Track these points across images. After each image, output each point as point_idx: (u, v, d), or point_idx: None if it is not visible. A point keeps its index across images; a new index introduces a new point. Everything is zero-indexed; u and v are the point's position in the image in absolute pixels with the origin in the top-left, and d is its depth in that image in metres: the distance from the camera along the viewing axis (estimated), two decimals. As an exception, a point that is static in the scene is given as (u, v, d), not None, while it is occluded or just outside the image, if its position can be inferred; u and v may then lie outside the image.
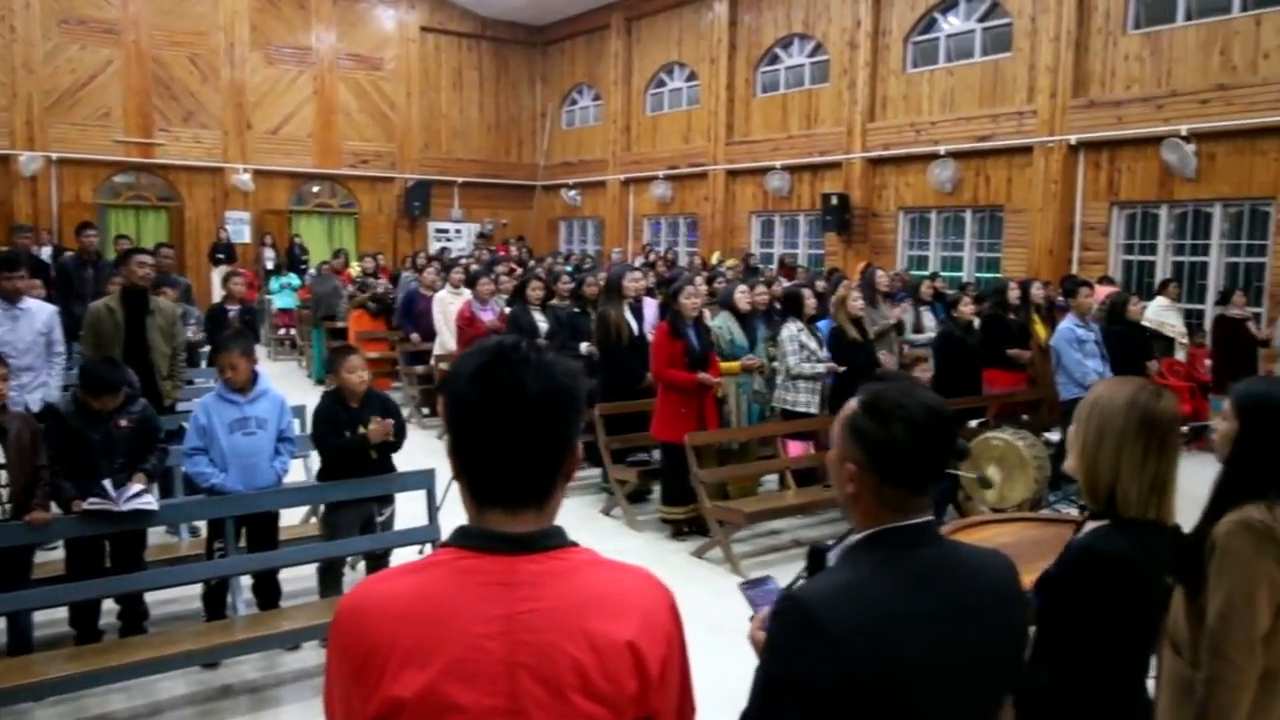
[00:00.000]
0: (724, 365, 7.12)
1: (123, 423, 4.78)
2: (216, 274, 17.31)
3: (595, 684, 1.40)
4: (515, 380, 1.41)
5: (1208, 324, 11.12)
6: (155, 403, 5.79)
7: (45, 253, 12.55)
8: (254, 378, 4.98)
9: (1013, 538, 4.08)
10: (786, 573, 2.45)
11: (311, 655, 4.95)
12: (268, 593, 5.03)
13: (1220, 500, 2.48)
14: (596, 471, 8.14)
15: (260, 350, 15.24)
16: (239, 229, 19.10)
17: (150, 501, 4.46)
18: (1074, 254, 12.82)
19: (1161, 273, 11.95)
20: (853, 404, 1.75)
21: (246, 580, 5.07)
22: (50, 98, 17.41)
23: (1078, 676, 2.19)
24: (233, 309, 8.73)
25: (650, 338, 7.99)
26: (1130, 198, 12.32)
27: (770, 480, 7.84)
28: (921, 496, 1.71)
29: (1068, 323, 7.94)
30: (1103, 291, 9.78)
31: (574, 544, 1.50)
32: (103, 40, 17.82)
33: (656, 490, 7.51)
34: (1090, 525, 2.31)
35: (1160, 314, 10.81)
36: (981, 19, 13.96)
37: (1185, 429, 8.70)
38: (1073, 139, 12.55)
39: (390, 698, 1.35)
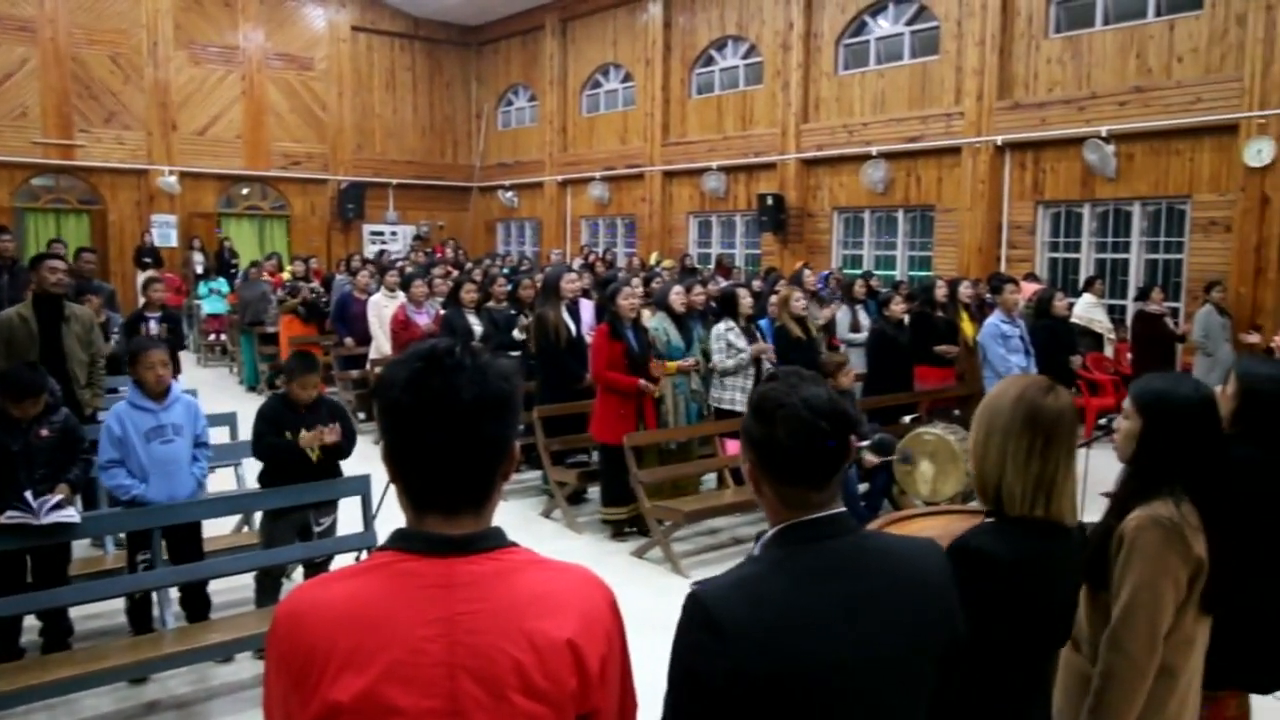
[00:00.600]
0: (662, 366, 7.15)
1: (44, 432, 4.65)
2: (142, 279, 16.88)
3: (535, 683, 1.40)
4: (449, 387, 1.41)
5: (1129, 319, 11.46)
6: (75, 413, 5.63)
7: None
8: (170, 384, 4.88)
9: (940, 530, 4.15)
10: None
11: (246, 667, 4.87)
12: (196, 604, 4.93)
13: (1126, 497, 2.49)
14: (536, 474, 8.14)
15: (190, 357, 15.01)
16: (165, 232, 18.66)
17: (72, 514, 4.34)
18: (1002, 252, 13.10)
19: (1086, 270, 12.27)
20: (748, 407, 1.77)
21: (176, 593, 4.97)
22: (-36, 97, 16.85)
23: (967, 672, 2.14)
24: (153, 316, 8.51)
25: (589, 339, 8.03)
26: (1054, 197, 12.63)
27: (711, 479, 7.89)
28: (821, 491, 1.69)
29: (993, 319, 8.12)
30: (1029, 289, 10.03)
31: (513, 544, 1.49)
32: (17, 38, 17.26)
33: (596, 491, 7.53)
34: (979, 523, 2.25)
35: (1089, 310, 11.14)
36: (910, 22, 14.20)
37: (1102, 421, 8.92)
38: (999, 140, 12.83)
39: (328, 702, 1.34)
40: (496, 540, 1.47)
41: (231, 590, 5.51)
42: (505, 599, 1.42)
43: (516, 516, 7.61)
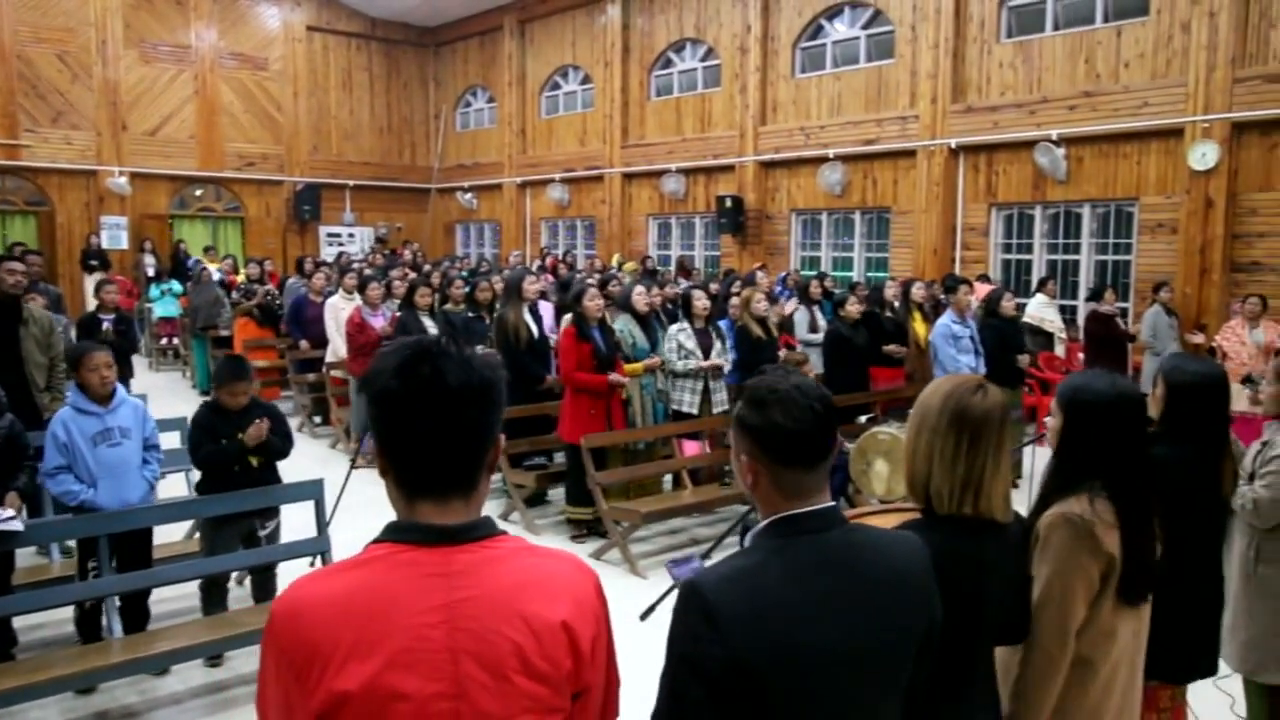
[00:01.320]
0: (627, 367, 7.18)
1: None
2: (90, 281, 16.60)
3: (534, 664, 1.45)
4: (437, 373, 1.45)
5: (1080, 319, 11.67)
6: (33, 417, 5.52)
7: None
8: (114, 388, 4.80)
9: (896, 526, 4.25)
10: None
11: (196, 675, 4.83)
12: (136, 615, 4.84)
13: (1047, 492, 2.52)
14: (495, 476, 8.11)
15: (142, 361, 14.77)
16: (116, 234, 18.34)
17: (16, 523, 4.27)
18: (956, 253, 13.26)
19: (1038, 271, 12.48)
20: (740, 400, 1.82)
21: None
22: (-97, 96, 16.49)
23: None
24: (106, 318, 8.40)
25: (552, 340, 8.04)
26: (1007, 199, 12.82)
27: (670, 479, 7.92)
28: (815, 475, 1.76)
29: (944, 319, 8.25)
30: (982, 289, 10.18)
31: (503, 533, 1.54)
32: (-39, 36, 16.91)
33: (554, 493, 7.54)
34: (907, 520, 2.27)
35: (1041, 310, 11.32)
36: (865, 26, 14.35)
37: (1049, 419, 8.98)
38: (953, 143, 13.00)
39: (335, 692, 1.37)
40: (489, 529, 1.51)
41: (171, 600, 5.45)
42: (502, 585, 1.46)
43: (475, 519, 7.61)
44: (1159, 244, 11.33)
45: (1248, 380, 4.86)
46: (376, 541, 1.50)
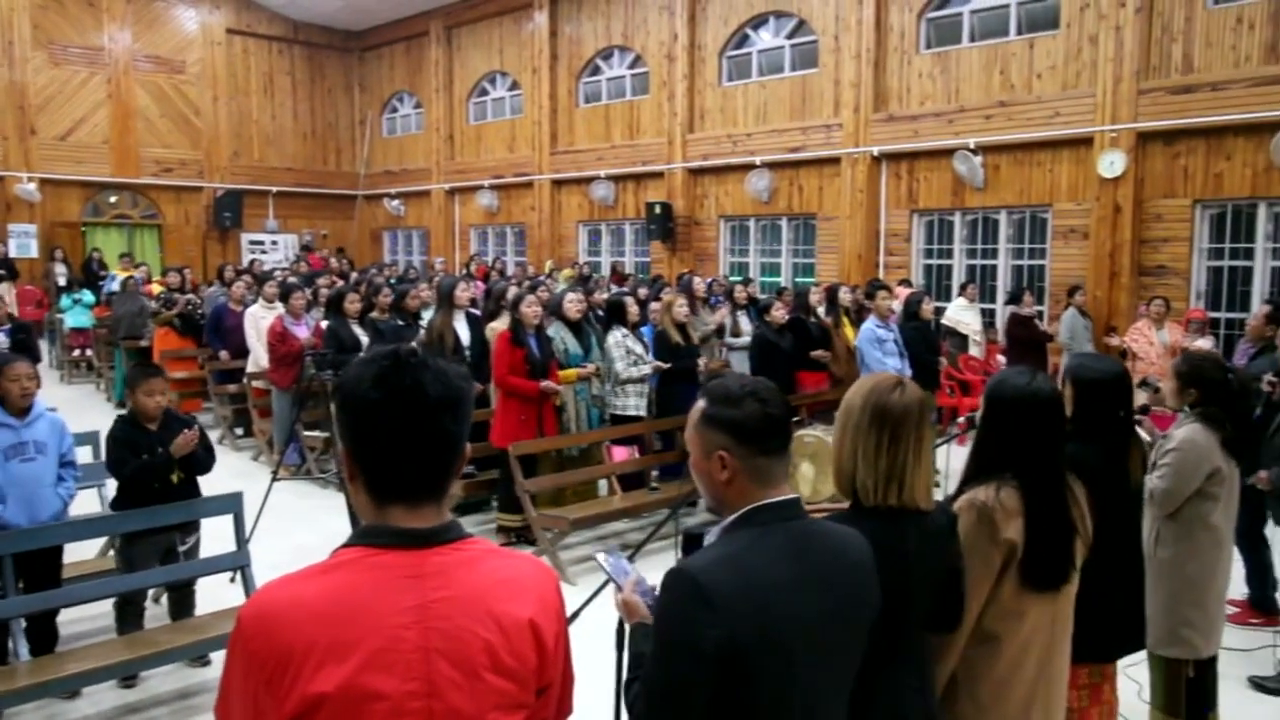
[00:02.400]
0: (561, 374, 7.17)
1: None
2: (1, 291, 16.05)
3: (504, 661, 1.48)
4: (417, 384, 1.47)
5: (999, 322, 11.98)
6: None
7: None
8: (31, 401, 4.65)
9: (828, 521, 4.33)
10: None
11: (108, 696, 4.70)
12: (44, 637, 4.67)
13: (964, 480, 2.65)
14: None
15: (53, 373, 14.27)
16: (25, 243, 17.71)
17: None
18: (880, 259, 13.49)
19: (958, 275, 12.78)
20: (700, 404, 1.91)
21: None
22: None
23: None
24: (1, 329, 8.12)
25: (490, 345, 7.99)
26: (928, 206, 13.10)
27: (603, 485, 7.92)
28: (782, 463, 1.88)
29: (869, 324, 8.41)
30: (905, 294, 10.39)
31: (470, 535, 1.56)
32: None
33: (483, 499, 7.50)
34: (833, 512, 2.37)
35: (959, 313, 11.57)
36: (790, 36, 14.54)
37: (961, 419, 9.24)
38: (875, 151, 13.24)
39: (309, 695, 1.37)
40: (458, 532, 1.54)
41: (89, 619, 5.30)
42: (472, 585, 1.49)
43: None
44: (1071, 249, 11.67)
45: (1144, 384, 5.06)
46: (346, 546, 1.51)
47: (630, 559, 2.55)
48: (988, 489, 2.54)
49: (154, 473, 4.74)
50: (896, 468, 2.28)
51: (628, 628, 2.03)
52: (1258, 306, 8.17)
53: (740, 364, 9.01)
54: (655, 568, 2.13)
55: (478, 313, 8.48)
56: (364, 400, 1.48)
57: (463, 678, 1.46)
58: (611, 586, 2.16)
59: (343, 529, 6.08)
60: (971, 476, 2.63)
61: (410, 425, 1.48)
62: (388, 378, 1.48)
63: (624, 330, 7.54)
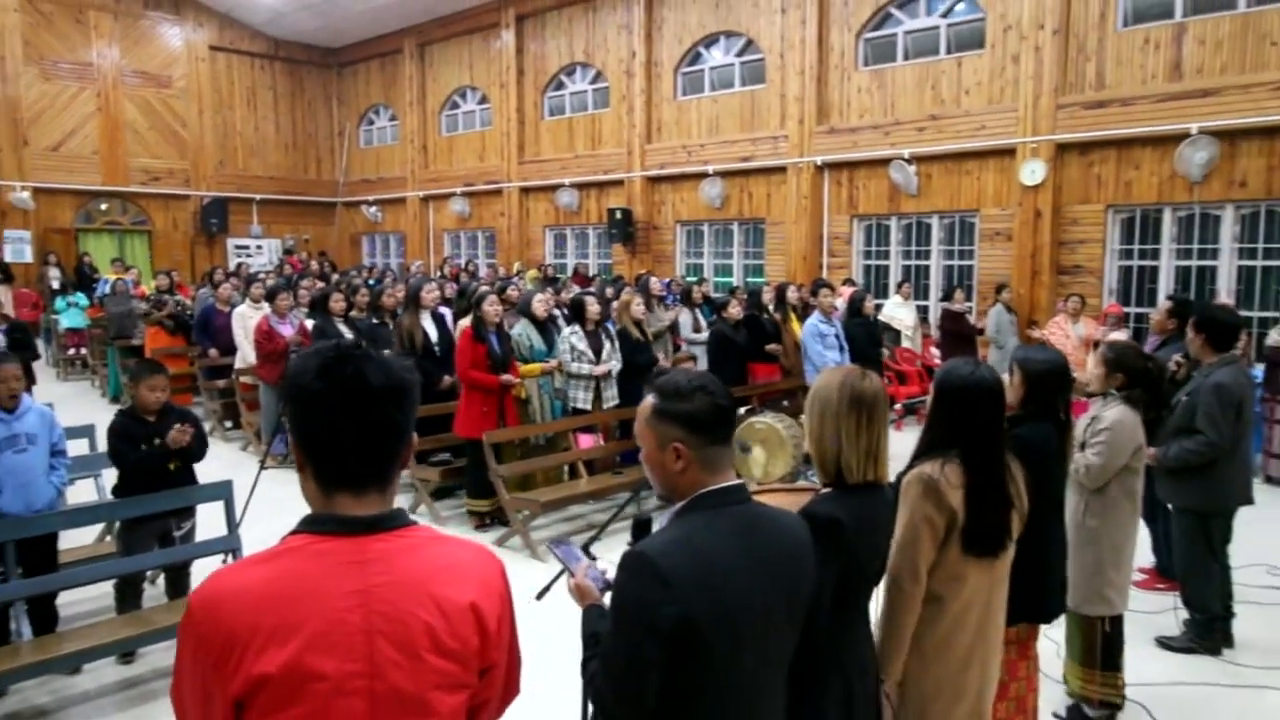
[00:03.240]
0: (524, 368, 7.17)
1: None
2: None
3: (444, 643, 1.45)
4: (359, 374, 1.44)
5: (933, 317, 12.14)
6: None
7: None
8: (19, 397, 4.57)
9: (773, 505, 4.39)
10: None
11: (109, 672, 4.64)
12: (45, 617, 4.62)
13: (914, 456, 2.73)
14: (404, 472, 7.97)
15: (49, 371, 14.00)
16: (19, 248, 17.32)
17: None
18: (824, 260, 13.61)
19: (895, 275, 12.93)
20: (651, 400, 1.90)
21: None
22: None
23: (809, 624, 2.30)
24: None
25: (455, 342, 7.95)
26: (867, 211, 13.22)
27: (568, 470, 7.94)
28: (729, 452, 1.89)
29: (813, 320, 8.50)
30: (848, 292, 10.50)
31: (415, 523, 1.53)
32: None
33: (457, 485, 7.48)
34: (821, 493, 2.40)
35: (894, 310, 11.73)
36: (739, 54, 14.60)
37: (899, 405, 9.41)
38: (818, 160, 13.35)
39: (253, 675, 1.35)
40: (402, 520, 1.50)
41: (89, 600, 5.24)
42: (415, 570, 1.45)
43: (383, 513, 7.48)
44: (997, 250, 11.85)
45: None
46: (293, 533, 1.48)
47: (595, 539, 2.58)
48: (934, 464, 2.63)
49: (153, 462, 4.69)
50: (873, 445, 2.38)
51: (580, 610, 2.02)
52: (1161, 302, 8.37)
53: (700, 358, 9.05)
54: (618, 548, 2.11)
55: (445, 311, 8.46)
56: (308, 391, 1.45)
57: (404, 658, 1.42)
58: (565, 573, 2.14)
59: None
60: (921, 453, 2.71)
61: (353, 414, 1.44)
62: (331, 369, 1.44)
63: (576, 328, 7.51)
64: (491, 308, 6.91)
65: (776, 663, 1.92)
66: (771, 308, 9.45)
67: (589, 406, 7.40)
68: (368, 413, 1.45)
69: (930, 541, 2.58)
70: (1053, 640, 4.33)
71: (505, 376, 6.82)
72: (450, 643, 1.46)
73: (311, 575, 1.41)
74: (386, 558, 1.44)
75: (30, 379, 7.62)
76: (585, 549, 2.35)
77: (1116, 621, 4.01)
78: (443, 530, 6.47)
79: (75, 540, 5.38)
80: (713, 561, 1.76)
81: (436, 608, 1.45)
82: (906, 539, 2.58)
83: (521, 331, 7.44)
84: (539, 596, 2.99)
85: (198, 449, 4.86)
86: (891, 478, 2.60)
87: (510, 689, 1.65)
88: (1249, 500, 4.78)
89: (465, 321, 7.11)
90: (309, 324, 8.79)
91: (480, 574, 1.54)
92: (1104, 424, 3.92)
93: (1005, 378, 3.34)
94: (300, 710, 1.37)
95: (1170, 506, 4.94)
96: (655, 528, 1.92)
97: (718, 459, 1.87)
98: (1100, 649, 3.99)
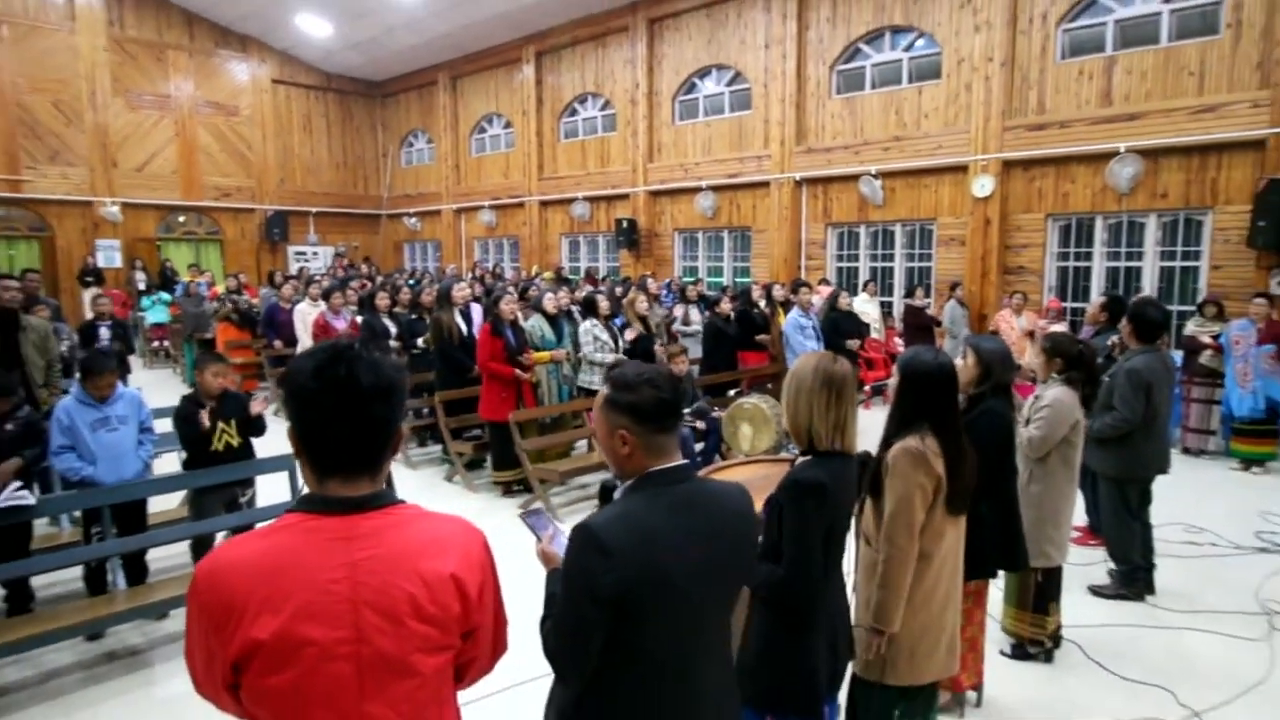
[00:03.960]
0: (536, 355, 7.18)
1: (9, 427, 4.32)
2: (87, 295, 15.73)
3: (426, 610, 1.41)
4: (350, 375, 1.39)
5: (896, 311, 12.13)
6: (34, 409, 5.23)
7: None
8: (114, 385, 4.59)
9: (754, 473, 4.38)
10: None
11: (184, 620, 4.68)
12: (136, 571, 4.68)
13: (890, 434, 2.73)
14: (439, 447, 8.02)
15: (136, 361, 14.03)
16: (110, 255, 17.33)
17: (27, 497, 4.06)
18: (802, 263, 13.57)
19: (863, 275, 12.88)
20: (603, 391, 1.85)
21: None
22: (-88, 138, 15.23)
23: (786, 572, 2.31)
24: (104, 324, 7.98)
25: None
26: (840, 220, 13.17)
27: (582, 444, 7.94)
28: (672, 438, 1.82)
29: (793, 314, 8.49)
30: (825, 291, 10.50)
31: (402, 501, 1.48)
32: (-37, 86, 15.71)
33: (489, 459, 7.50)
34: (799, 461, 2.43)
35: (862, 305, 11.64)
36: (729, 84, 14.53)
37: (867, 388, 9.37)
38: (797, 176, 13.29)
39: (248, 640, 1.32)
40: (388, 499, 1.46)
41: (173, 556, 5.29)
42: (399, 545, 1.41)
43: (425, 481, 7.51)
44: (952, 253, 11.82)
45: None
46: (289, 511, 1.44)
47: (543, 511, 2.48)
48: (915, 438, 2.63)
49: (201, 442, 4.69)
50: (840, 419, 2.39)
51: (544, 572, 1.95)
52: (1094, 298, 8.36)
53: (694, 347, 9.05)
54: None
55: (475, 308, 8.48)
56: (304, 389, 1.40)
57: (388, 625, 1.38)
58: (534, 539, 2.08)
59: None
60: (895, 431, 2.71)
61: (343, 411, 1.39)
62: (324, 369, 1.40)
63: (595, 320, 7.55)
64: (507, 306, 6.89)
65: (715, 616, 1.87)
66: (762, 303, 9.46)
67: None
68: (358, 410, 1.40)
69: (922, 505, 2.59)
70: (997, 589, 4.34)
71: (518, 371, 6.81)
72: (431, 609, 1.42)
73: (302, 550, 1.37)
74: (373, 534, 1.40)
75: (125, 369, 7.64)
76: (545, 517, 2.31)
77: (1050, 573, 4.03)
78: (474, 496, 6.53)
79: (161, 505, 5.42)
80: (650, 534, 1.71)
81: (419, 578, 1.41)
82: (901, 506, 2.58)
83: (535, 324, 7.45)
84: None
85: (258, 427, 4.87)
86: (859, 451, 2.59)
87: (499, 646, 1.61)
88: (1164, 470, 4.79)
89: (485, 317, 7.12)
90: (358, 319, 8.81)
91: (461, 547, 1.49)
92: (1045, 402, 3.95)
93: (959, 361, 3.36)
94: (292, 673, 1.34)
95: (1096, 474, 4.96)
96: (617, 495, 1.88)
97: (662, 445, 1.80)
98: (1033, 595, 4.02)
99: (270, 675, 1.34)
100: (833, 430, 2.37)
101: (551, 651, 1.75)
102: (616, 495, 1.86)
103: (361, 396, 1.39)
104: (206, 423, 4.64)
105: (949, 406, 2.69)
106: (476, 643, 1.54)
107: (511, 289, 8.04)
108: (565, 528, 1.97)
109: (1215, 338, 7.80)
